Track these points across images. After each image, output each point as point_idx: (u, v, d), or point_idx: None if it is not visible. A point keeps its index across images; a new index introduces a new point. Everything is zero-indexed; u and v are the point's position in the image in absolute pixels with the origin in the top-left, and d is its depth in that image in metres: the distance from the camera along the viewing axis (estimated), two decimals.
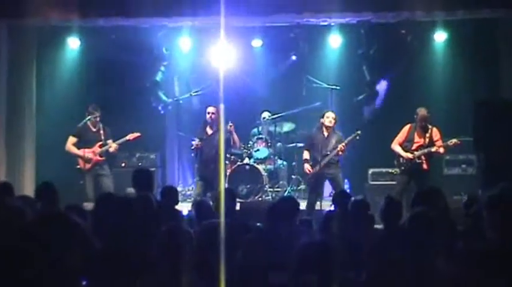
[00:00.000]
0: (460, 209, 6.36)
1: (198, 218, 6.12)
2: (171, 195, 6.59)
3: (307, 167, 9.93)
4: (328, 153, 9.79)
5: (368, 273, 4.29)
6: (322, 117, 9.93)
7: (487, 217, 3.85)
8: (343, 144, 9.76)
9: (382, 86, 12.04)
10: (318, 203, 9.98)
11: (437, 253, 4.18)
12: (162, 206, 6.01)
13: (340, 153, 9.81)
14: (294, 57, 12.18)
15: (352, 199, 6.11)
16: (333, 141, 9.84)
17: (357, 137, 9.87)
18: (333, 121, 9.88)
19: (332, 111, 10.03)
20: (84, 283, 3.90)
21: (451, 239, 4.83)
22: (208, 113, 9.98)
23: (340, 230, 5.18)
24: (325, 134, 9.92)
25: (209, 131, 10.02)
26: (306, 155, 10.04)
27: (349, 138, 9.87)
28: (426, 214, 4.41)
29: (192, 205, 7.16)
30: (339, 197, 6.77)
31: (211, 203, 6.63)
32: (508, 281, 3.61)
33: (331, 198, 10.60)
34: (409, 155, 9.61)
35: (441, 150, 9.63)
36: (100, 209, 5.20)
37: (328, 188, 11.54)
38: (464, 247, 4.61)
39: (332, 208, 7.58)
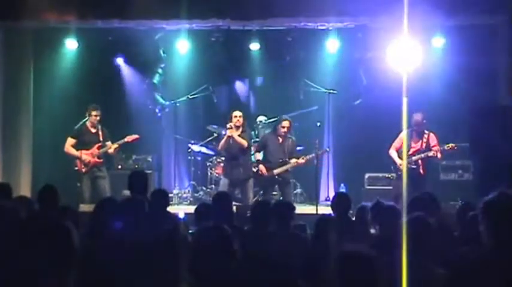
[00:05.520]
0: (456, 214, 6.35)
1: (198, 221, 6.09)
2: (160, 197, 6.57)
3: (262, 167, 10.09)
4: (287, 160, 10.12)
5: None
6: (279, 123, 10.16)
7: (482, 223, 3.84)
8: (308, 158, 10.19)
9: None
10: (314, 207, 10.03)
11: (433, 258, 4.18)
12: (153, 209, 6.00)
13: (300, 164, 10.19)
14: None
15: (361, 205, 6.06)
16: (287, 145, 10.17)
17: (326, 150, 10.51)
18: (287, 130, 10.16)
19: (287, 120, 10.21)
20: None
21: (446, 244, 4.83)
22: (236, 116, 10.00)
23: (339, 237, 5.12)
24: (280, 139, 10.18)
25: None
26: (259, 156, 10.34)
27: (319, 153, 10.29)
28: (423, 219, 4.41)
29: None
30: (338, 201, 6.46)
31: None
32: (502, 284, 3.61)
33: (327, 202, 10.67)
34: (402, 163, 9.61)
35: (438, 155, 9.64)
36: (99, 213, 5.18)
37: (324, 193, 11.57)
38: (459, 253, 4.61)
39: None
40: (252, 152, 11.41)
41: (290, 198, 10.32)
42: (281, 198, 10.38)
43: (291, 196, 10.62)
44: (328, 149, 10.60)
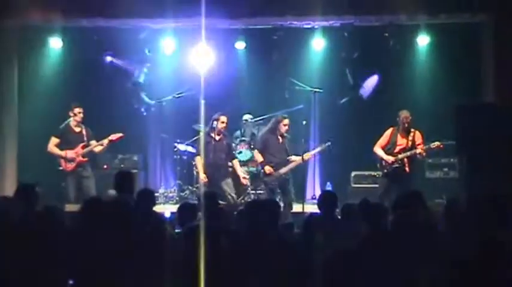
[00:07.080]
0: (441, 212, 6.37)
1: (181, 221, 6.08)
2: (147, 197, 6.54)
3: (268, 168, 9.86)
4: (288, 159, 9.93)
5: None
6: (279, 123, 9.95)
7: (467, 219, 3.87)
8: (311, 154, 10.17)
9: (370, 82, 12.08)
10: (301, 205, 10.03)
11: (419, 255, 4.19)
12: (139, 209, 5.98)
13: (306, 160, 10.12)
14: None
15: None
16: (286, 146, 10.01)
17: (328, 145, 10.14)
18: (288, 128, 10.02)
19: (287, 118, 10.04)
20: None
21: (432, 241, 4.84)
22: (223, 122, 9.81)
23: (325, 235, 5.12)
24: (280, 139, 10.00)
25: (217, 137, 9.87)
26: (260, 157, 9.99)
27: (319, 149, 10.22)
28: (408, 217, 4.42)
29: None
30: (325, 199, 6.38)
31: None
32: (487, 282, 3.63)
33: (313, 201, 10.69)
34: (391, 159, 9.63)
35: (423, 153, 9.66)
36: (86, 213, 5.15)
37: (310, 191, 11.58)
38: (444, 249, 4.63)
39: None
40: (240, 151, 11.40)
41: (291, 196, 10.14)
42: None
43: (292, 193, 10.46)
44: (329, 144, 10.24)
